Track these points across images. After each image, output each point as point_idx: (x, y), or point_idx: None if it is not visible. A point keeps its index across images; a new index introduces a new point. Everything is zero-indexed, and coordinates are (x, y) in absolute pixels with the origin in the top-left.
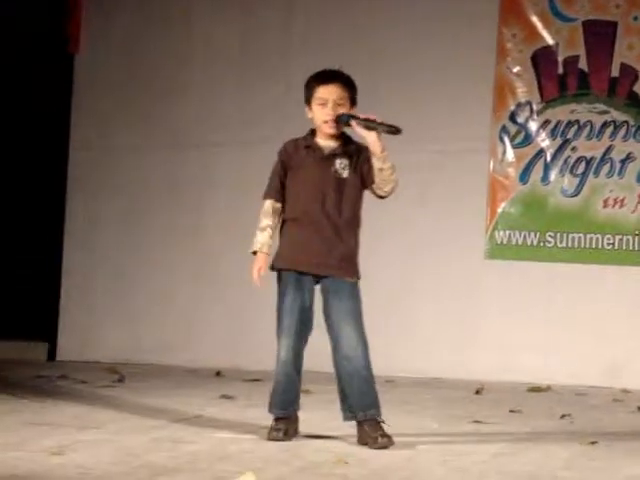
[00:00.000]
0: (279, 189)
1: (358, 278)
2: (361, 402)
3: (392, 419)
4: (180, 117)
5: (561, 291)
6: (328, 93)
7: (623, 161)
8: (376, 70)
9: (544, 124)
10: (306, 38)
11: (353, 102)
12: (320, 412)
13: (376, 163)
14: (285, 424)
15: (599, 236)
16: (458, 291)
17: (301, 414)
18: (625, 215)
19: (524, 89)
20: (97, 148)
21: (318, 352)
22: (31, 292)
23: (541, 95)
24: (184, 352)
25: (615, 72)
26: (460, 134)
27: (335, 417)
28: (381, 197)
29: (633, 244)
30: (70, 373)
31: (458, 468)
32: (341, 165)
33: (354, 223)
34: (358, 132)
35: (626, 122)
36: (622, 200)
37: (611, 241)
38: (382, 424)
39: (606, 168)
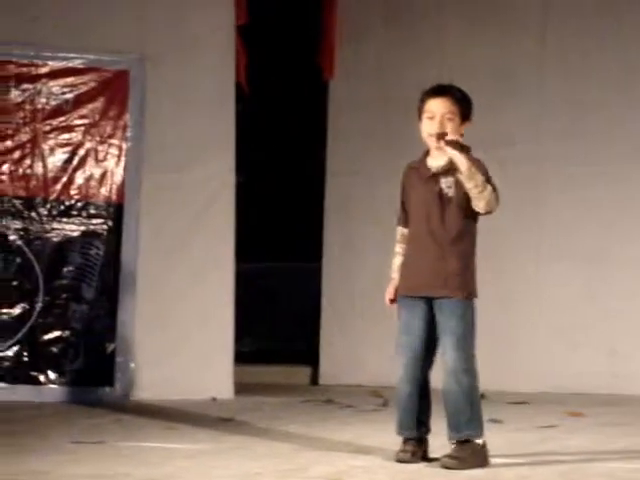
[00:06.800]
0: (403, 215)
1: (469, 297)
2: (454, 422)
3: None
4: None
5: None
6: (436, 107)
7: None
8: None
9: None
10: (561, 54)
11: (465, 118)
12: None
13: (463, 181)
14: (412, 445)
15: None
16: None
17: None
18: None
19: None
20: (353, 173)
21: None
22: (294, 319)
23: None
24: None
25: None
26: None
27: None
28: (482, 214)
29: None
30: (335, 397)
31: None
32: (447, 184)
33: (463, 241)
34: (448, 152)
35: None
36: None
37: None
38: (473, 445)
39: None
